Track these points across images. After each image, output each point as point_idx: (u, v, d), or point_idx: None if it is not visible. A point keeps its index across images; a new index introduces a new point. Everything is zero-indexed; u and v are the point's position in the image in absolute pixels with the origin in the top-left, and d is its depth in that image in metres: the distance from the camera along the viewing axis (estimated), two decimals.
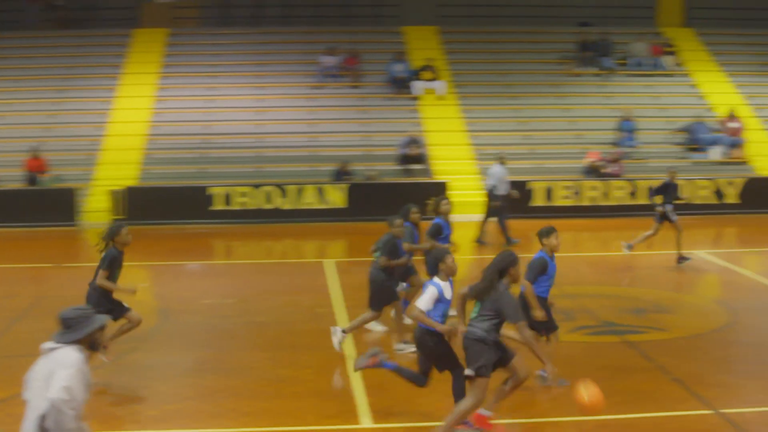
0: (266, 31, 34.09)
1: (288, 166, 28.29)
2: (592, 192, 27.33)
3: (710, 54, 34.32)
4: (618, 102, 31.17)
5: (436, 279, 10.49)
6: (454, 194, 26.59)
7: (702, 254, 21.79)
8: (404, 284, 14.90)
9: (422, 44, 33.41)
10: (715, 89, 32.52)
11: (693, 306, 17.50)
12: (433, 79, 31.41)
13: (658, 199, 20.33)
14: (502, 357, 10.14)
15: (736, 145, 29.61)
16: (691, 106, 31.36)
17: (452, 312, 10.75)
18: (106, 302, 12.27)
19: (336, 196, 26.73)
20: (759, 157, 29.58)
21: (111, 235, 12.55)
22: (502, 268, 10.12)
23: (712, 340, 14.85)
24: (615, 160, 28.10)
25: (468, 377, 10.08)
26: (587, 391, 9.77)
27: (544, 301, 11.97)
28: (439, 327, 10.24)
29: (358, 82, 31.93)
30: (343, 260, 21.93)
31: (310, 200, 26.64)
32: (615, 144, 29.23)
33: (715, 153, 29.43)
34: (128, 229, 12.76)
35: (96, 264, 12.56)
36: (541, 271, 11.94)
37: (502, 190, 23.47)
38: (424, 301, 10.31)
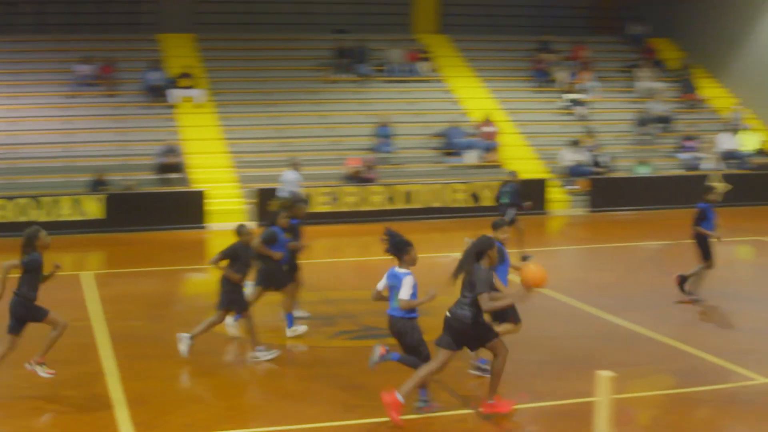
0: (18, 39, 32.73)
1: (43, 177, 27.31)
2: (351, 198, 27.58)
3: (464, 60, 35.26)
4: (375, 108, 31.61)
5: (404, 269, 11.28)
6: (213, 203, 26.46)
7: (459, 256, 22.30)
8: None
9: (179, 52, 32.96)
10: (470, 94, 33.43)
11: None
12: (191, 87, 31.04)
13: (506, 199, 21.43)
14: (477, 335, 10.99)
15: (490, 149, 30.48)
16: (447, 111, 32.12)
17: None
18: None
19: (93, 207, 26.02)
20: (513, 160, 30.52)
21: (33, 239, 12.39)
22: (480, 251, 10.96)
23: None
24: (371, 166, 28.47)
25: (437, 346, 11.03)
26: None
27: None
28: (423, 300, 11.17)
29: (114, 91, 31.17)
30: (101, 272, 21.34)
31: (66, 212, 25.83)
32: (372, 150, 29.58)
33: (471, 157, 30.21)
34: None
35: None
36: (500, 260, 12.20)
37: None
38: (407, 291, 11.09)
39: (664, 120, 33.25)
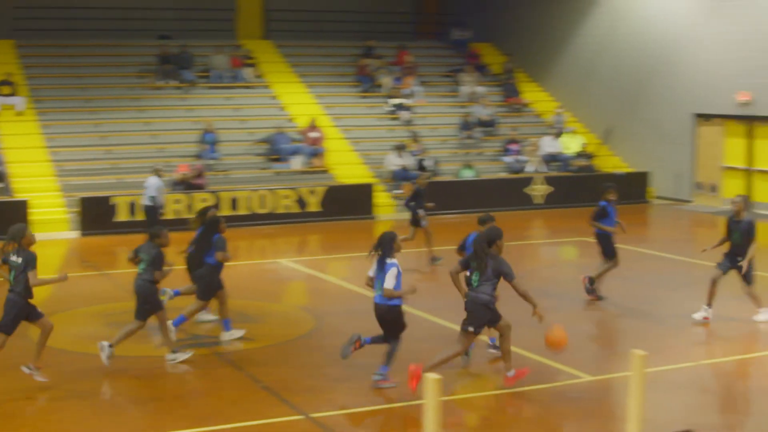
0: None
1: None
2: (176, 205, 27.08)
3: (289, 66, 35.15)
4: (200, 114, 31.19)
5: (393, 259, 12.31)
6: (35, 212, 25.63)
7: (287, 262, 22.18)
8: (171, 291, 15.78)
9: None
10: (295, 100, 33.31)
11: (280, 314, 17.65)
12: (12, 95, 30.02)
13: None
14: (492, 318, 12.36)
15: (316, 154, 30.41)
16: (272, 117, 31.91)
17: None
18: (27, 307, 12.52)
19: None
20: (339, 165, 30.55)
21: (19, 237, 12.56)
22: (491, 239, 12.33)
23: (299, 346, 15.09)
24: (201, 173, 28.06)
25: (464, 331, 12.35)
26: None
27: None
28: (404, 291, 12.41)
29: None
30: None
31: None
32: (198, 156, 29.14)
33: (297, 163, 30.08)
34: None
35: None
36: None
37: (161, 201, 24.32)
38: (391, 281, 12.15)
39: (487, 124, 33.77)
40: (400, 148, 30.53)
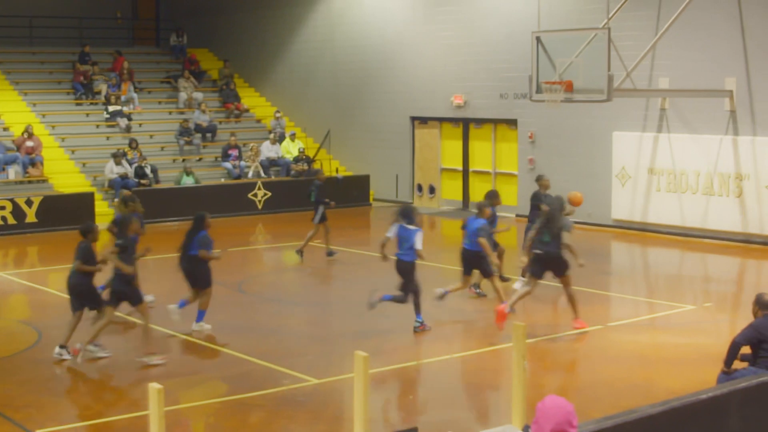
0: None
1: None
2: None
3: (1, 72, 34.12)
4: None
5: (414, 227, 15.71)
6: None
7: (5, 275, 21.66)
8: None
9: None
10: (9, 108, 32.37)
11: None
12: None
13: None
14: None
15: (33, 163, 29.71)
16: None
17: None
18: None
19: None
20: (56, 174, 29.95)
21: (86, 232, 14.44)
22: (561, 206, 15.84)
23: (21, 360, 14.81)
24: None
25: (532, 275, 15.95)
26: None
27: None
28: (423, 255, 15.88)
29: None
30: None
31: None
32: None
33: (13, 172, 29.30)
34: None
35: None
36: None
37: None
38: (420, 242, 15.59)
39: (206, 130, 33.87)
40: (118, 156, 30.19)
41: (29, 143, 30.09)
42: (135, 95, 34.36)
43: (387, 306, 16.23)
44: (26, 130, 30.30)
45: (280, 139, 33.96)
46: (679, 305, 18.07)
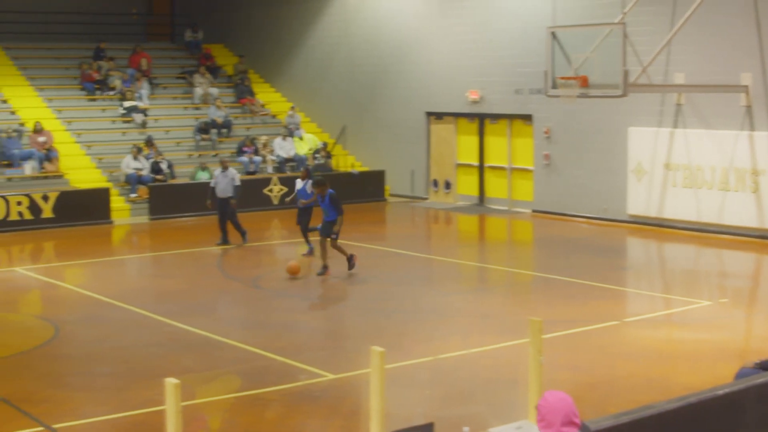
0: None
1: None
2: None
3: (17, 68, 34.20)
4: None
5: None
6: None
7: (22, 271, 21.73)
8: None
9: None
10: (25, 104, 32.45)
11: (15, 324, 17.33)
12: None
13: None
14: None
15: (49, 158, 29.80)
16: (2, 122, 31.01)
17: None
18: None
19: None
20: (72, 170, 30.03)
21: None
22: None
23: (37, 356, 14.86)
24: None
25: None
26: None
27: None
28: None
29: None
30: None
31: None
32: None
33: (29, 168, 29.39)
34: None
35: None
36: None
37: None
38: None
39: (222, 125, 33.91)
40: (135, 152, 30.28)
41: (41, 138, 30.13)
42: (144, 92, 34.29)
43: (403, 301, 16.20)
44: (41, 126, 30.37)
45: (291, 134, 33.90)
46: (696, 301, 18.03)
